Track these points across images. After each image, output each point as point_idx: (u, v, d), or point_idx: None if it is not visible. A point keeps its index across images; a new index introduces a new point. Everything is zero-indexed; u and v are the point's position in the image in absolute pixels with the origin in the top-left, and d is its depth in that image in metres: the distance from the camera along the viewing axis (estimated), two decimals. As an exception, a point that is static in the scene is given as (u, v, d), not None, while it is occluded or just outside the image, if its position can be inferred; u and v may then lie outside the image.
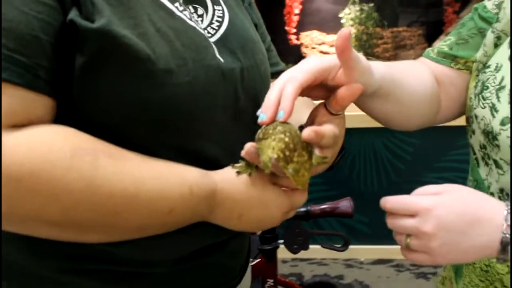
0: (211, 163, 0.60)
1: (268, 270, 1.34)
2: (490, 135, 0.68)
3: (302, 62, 0.59)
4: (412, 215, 0.59)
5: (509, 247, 0.56)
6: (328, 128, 0.56)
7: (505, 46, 0.70)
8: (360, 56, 0.59)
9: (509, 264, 0.67)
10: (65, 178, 0.47)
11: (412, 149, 2.25)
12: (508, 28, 0.71)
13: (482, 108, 0.70)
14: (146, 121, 0.54)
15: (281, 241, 1.32)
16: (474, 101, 0.72)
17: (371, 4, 2.00)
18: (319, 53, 2.23)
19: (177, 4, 0.59)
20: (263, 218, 0.60)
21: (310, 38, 2.22)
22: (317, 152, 0.56)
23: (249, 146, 0.56)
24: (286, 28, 2.19)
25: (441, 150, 2.22)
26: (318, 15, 2.17)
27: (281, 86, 0.56)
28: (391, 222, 0.62)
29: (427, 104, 0.77)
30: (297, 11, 2.14)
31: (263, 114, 0.54)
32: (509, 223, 0.56)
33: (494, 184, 0.69)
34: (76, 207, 0.48)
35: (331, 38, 2.20)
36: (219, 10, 0.65)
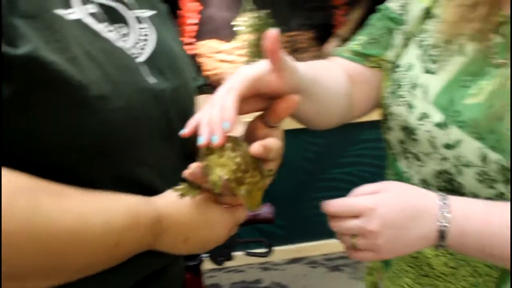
0: (148, 189, 0.57)
1: (195, 285, 1.30)
2: (408, 130, 0.72)
3: (234, 74, 0.57)
4: (356, 216, 0.60)
5: (447, 234, 0.60)
6: (274, 142, 0.55)
7: (412, 46, 0.75)
8: (287, 56, 0.59)
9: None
10: (4, 222, 0.41)
11: (317, 148, 2.34)
12: (415, 29, 0.76)
13: (398, 105, 0.74)
14: (82, 150, 0.50)
15: (206, 254, 1.29)
16: (390, 99, 0.76)
17: (266, 11, 2.04)
18: (217, 62, 2.23)
19: (103, 24, 0.55)
20: (209, 239, 0.59)
21: (207, 47, 2.22)
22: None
23: (194, 166, 0.54)
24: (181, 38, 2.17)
25: (344, 147, 2.34)
26: (214, 24, 2.17)
27: (221, 101, 0.54)
28: (336, 225, 0.63)
29: (343, 102, 0.79)
30: (193, 20, 2.12)
31: (214, 136, 0.51)
32: (443, 211, 0.60)
33: (415, 176, 0.74)
34: (19, 253, 0.43)
35: (228, 46, 2.21)
36: (143, 28, 0.62)
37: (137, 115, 0.53)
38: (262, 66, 0.57)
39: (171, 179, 0.58)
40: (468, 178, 0.65)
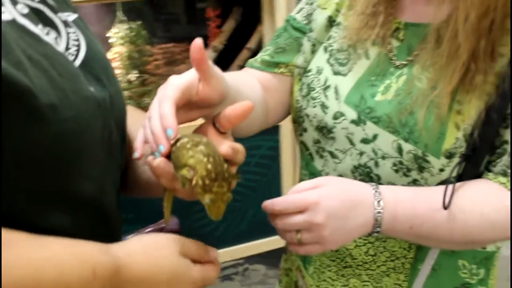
0: (90, 204, 0.52)
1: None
2: (325, 130, 0.77)
3: (164, 85, 0.58)
4: (300, 211, 0.62)
5: (381, 221, 0.64)
6: (239, 145, 0.56)
7: (320, 51, 0.80)
8: (213, 65, 0.59)
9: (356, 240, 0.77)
10: None
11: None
12: (321, 36, 0.81)
13: (313, 107, 0.78)
14: (32, 165, 0.44)
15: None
16: (303, 102, 0.80)
17: (139, 22, 1.99)
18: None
19: (40, 27, 0.50)
20: None
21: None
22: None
23: (160, 159, 0.52)
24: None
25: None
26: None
27: (158, 111, 0.54)
28: (281, 222, 0.64)
29: (261, 110, 0.82)
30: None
31: (161, 146, 0.51)
32: (378, 199, 0.64)
33: (332, 173, 0.78)
34: None
35: (101, 58, 2.11)
36: (72, 32, 0.56)
37: (85, 125, 0.49)
38: (191, 75, 0.58)
39: (111, 193, 0.56)
40: (385, 169, 0.71)
